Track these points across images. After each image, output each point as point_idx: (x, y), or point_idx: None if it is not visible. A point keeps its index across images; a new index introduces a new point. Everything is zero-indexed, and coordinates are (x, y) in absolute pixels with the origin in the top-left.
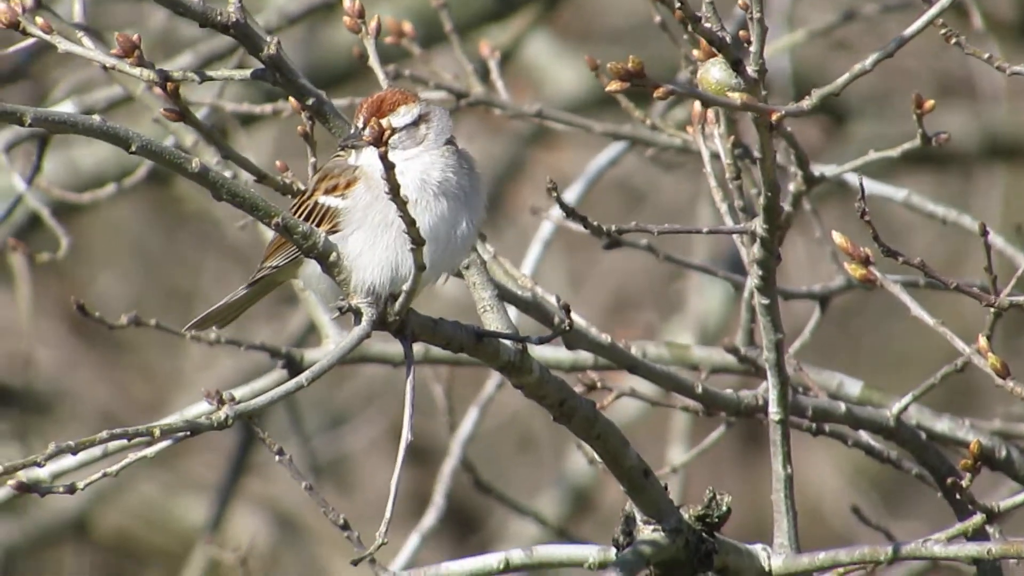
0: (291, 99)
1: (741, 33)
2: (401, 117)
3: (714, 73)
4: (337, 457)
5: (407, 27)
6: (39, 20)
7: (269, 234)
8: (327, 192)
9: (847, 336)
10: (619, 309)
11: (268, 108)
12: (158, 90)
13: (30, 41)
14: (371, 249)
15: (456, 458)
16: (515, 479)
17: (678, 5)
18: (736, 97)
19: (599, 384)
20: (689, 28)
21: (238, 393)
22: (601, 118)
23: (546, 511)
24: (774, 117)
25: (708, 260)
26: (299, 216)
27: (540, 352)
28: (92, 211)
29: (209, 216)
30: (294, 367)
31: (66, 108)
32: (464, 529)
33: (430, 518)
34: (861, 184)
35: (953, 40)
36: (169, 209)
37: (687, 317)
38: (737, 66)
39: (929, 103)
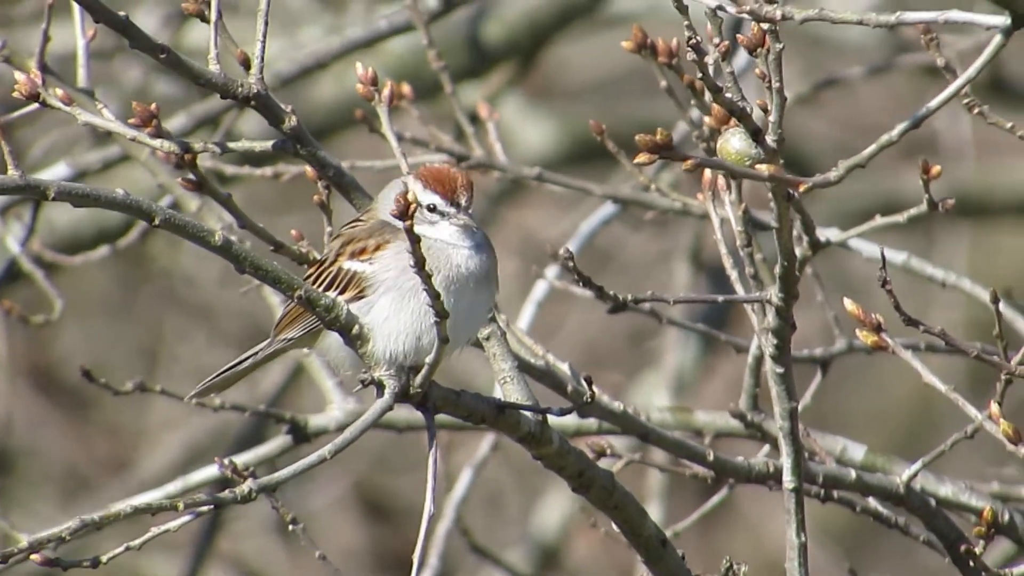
0: (307, 169)
1: (759, 102)
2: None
3: (734, 143)
4: (301, 513)
5: (406, 89)
6: (59, 92)
7: (272, 298)
8: (353, 256)
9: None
10: (589, 365)
11: (268, 171)
12: (161, 154)
13: (33, 107)
14: (397, 315)
15: (451, 520)
16: (482, 536)
17: (700, 76)
18: (764, 170)
19: (609, 451)
20: (707, 97)
21: (243, 459)
22: (572, 176)
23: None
24: (802, 188)
25: (684, 317)
26: (321, 282)
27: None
28: (64, 268)
29: (177, 273)
30: (298, 433)
31: (60, 170)
32: None
33: None
34: (883, 254)
35: (976, 110)
36: (138, 266)
37: (662, 373)
38: (756, 136)
39: (936, 168)
